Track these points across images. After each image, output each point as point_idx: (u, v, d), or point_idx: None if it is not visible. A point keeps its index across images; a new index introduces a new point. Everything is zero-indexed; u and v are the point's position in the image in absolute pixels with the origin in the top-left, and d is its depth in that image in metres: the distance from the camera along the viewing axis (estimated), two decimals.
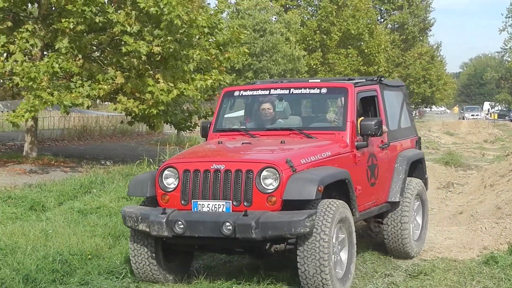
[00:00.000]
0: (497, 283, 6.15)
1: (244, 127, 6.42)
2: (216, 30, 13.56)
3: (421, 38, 50.08)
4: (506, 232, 7.87)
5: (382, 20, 47.86)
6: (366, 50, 35.96)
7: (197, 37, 13.31)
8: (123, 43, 11.93)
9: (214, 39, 13.97)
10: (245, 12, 27.74)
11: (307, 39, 34.77)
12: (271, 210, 5.02)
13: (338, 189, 5.49)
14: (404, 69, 46.38)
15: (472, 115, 52.14)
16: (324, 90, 6.25)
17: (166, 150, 11.94)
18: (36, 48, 12.14)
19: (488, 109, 61.65)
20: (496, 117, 47.17)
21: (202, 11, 13.09)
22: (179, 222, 5.03)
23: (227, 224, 4.87)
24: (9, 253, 6.07)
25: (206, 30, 12.77)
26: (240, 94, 6.67)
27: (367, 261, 7.15)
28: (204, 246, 5.61)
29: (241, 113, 6.94)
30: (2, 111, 18.15)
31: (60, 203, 8.75)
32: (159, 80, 12.12)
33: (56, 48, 11.64)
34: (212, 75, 12.99)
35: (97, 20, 11.53)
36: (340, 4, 35.08)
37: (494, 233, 7.96)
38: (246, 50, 15.63)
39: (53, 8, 12.41)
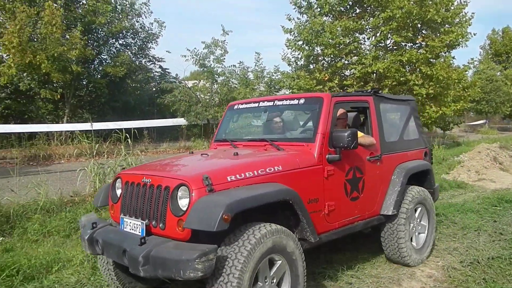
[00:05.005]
0: None
1: (230, 138, 5.58)
2: (462, 80, 20.17)
3: None
4: None
5: None
6: None
7: (452, 84, 19.48)
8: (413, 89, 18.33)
9: (461, 85, 20.48)
10: (482, 71, 39.23)
11: None
12: (180, 238, 3.58)
13: (291, 209, 4.11)
14: None
15: None
16: (302, 101, 5.15)
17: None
18: None
19: None
20: None
21: (454, 70, 19.34)
22: (99, 242, 3.95)
23: (126, 253, 3.61)
24: None
25: (456, 80, 19.13)
26: (238, 107, 5.87)
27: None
28: None
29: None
30: None
31: None
32: (432, 106, 18.41)
33: None
34: (461, 103, 19.77)
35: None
36: None
37: None
38: (479, 90, 23.76)
39: None
